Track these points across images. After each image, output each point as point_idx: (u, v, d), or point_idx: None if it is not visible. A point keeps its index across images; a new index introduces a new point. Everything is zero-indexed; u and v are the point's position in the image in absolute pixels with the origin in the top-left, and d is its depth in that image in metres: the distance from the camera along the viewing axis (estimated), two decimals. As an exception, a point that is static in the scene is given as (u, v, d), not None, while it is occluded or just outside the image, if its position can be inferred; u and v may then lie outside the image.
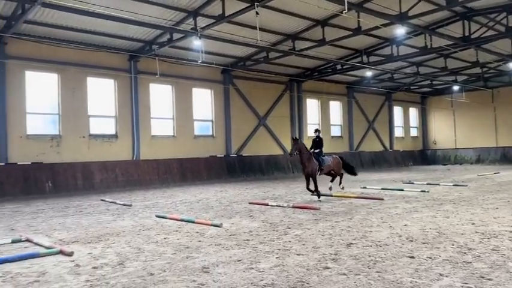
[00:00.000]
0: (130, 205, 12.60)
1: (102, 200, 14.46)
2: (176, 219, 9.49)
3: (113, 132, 20.69)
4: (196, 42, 17.89)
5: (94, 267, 5.58)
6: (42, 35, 17.82)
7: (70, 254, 6.28)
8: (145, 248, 6.70)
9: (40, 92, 18.67)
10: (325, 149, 13.57)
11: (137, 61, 21.18)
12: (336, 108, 32.29)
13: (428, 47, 21.56)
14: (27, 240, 7.59)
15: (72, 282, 4.93)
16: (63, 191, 17.77)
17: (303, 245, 6.63)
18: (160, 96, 22.63)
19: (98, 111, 20.28)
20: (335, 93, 31.77)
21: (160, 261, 5.86)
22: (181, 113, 23.29)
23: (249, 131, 26.38)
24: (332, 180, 13.74)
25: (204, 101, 24.63)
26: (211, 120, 24.91)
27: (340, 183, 13.60)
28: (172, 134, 23.00)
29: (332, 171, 13.50)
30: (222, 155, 24.72)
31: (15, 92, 17.68)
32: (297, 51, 21.51)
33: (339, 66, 26.21)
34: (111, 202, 13.76)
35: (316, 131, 13.39)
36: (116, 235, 7.96)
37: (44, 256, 6.29)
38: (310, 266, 5.37)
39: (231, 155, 25.05)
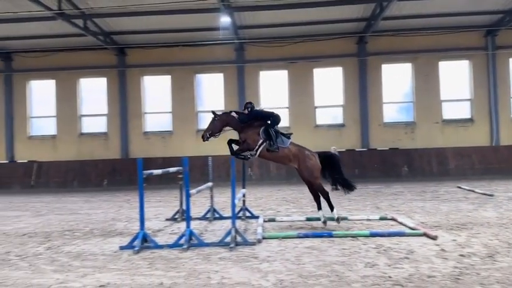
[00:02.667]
0: (491, 195, 11.53)
1: (458, 187, 13.97)
2: (556, 218, 7.89)
3: (467, 116, 19.50)
4: None
5: (461, 255, 5.46)
6: (396, 28, 18.92)
7: (434, 238, 6.42)
8: (518, 245, 5.94)
9: (394, 82, 19.95)
10: None
11: (495, 35, 18.98)
12: None
13: None
14: (392, 219, 8.33)
15: (440, 266, 5.02)
16: (418, 175, 18.38)
17: None
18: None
19: (451, 95, 19.65)
20: None
21: (540, 263, 5.05)
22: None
23: None
24: (319, 206, 7.92)
25: None
26: None
27: (320, 207, 7.90)
28: (541, 115, 19.26)
29: (293, 166, 7.93)
30: None
31: (374, 84, 19.76)
32: None
33: None
34: (468, 190, 13.08)
35: (247, 106, 8.01)
36: (480, 225, 7.47)
37: (409, 236, 6.72)
38: None
39: None
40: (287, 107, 20.36)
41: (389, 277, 4.62)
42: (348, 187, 8.11)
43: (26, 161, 20.67)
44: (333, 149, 14.96)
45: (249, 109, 7.94)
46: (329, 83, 20.19)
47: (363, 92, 19.69)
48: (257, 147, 7.66)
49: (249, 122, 7.82)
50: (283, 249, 6.00)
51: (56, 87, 21.07)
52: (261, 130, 7.75)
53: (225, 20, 16.36)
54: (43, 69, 20.75)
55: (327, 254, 5.70)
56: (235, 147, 7.86)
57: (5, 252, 6.37)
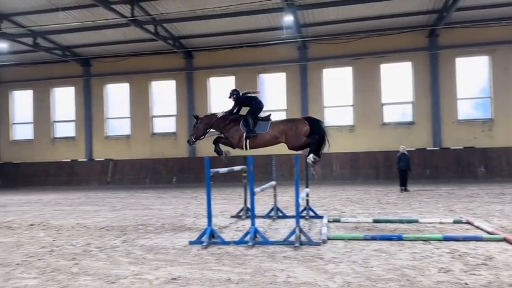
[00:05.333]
0: None
1: (544, 190, 12.77)
2: None
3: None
4: None
5: (549, 264, 4.98)
6: (471, 19, 17.68)
7: (517, 244, 5.92)
8: None
9: (469, 76, 18.66)
10: None
11: None
12: None
13: None
14: (468, 223, 7.81)
15: (525, 275, 4.62)
16: (496, 176, 17.07)
17: None
18: None
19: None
20: None
21: None
22: None
23: None
24: (308, 153, 7.52)
25: None
26: None
27: (310, 152, 7.47)
28: None
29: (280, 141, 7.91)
30: None
31: (447, 79, 18.63)
32: None
33: None
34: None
35: (232, 93, 8.20)
36: None
37: (487, 241, 6.25)
38: None
39: None
40: (352, 105, 19.87)
41: (466, 284, 4.34)
42: (317, 155, 7.54)
43: (103, 159, 22.27)
44: (402, 148, 14.34)
45: (235, 96, 8.11)
46: (397, 79, 19.39)
47: (434, 88, 18.66)
48: (244, 142, 7.81)
49: (236, 114, 8.03)
50: (349, 250, 5.88)
51: (130, 90, 22.43)
52: (240, 124, 7.89)
53: (288, 19, 16.35)
54: (118, 73, 22.19)
55: (397, 257, 5.48)
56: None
57: (86, 244, 6.91)
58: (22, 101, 24.08)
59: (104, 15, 16.26)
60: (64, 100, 23.53)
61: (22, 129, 24.08)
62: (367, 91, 19.47)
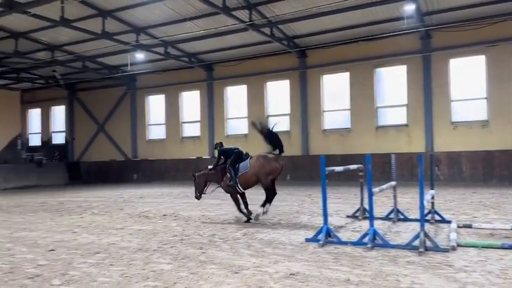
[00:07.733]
0: None
1: None
2: None
3: None
4: None
5: None
6: None
7: None
8: None
9: None
10: None
11: None
12: None
13: None
14: None
15: None
16: None
17: None
18: None
19: None
20: None
21: None
22: None
23: None
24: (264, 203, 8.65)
25: None
26: None
27: (264, 203, 8.72)
28: None
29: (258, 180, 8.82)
30: None
31: None
32: None
33: None
34: None
35: (216, 146, 9.62)
36: None
37: None
38: None
39: None
40: (485, 98, 17.76)
41: None
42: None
43: (223, 157, 23.70)
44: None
45: (218, 148, 9.41)
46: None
47: None
48: (237, 188, 8.91)
49: (223, 164, 9.13)
50: (483, 259, 5.29)
51: (247, 91, 23.48)
52: (227, 174, 8.93)
53: (409, 8, 15.32)
54: (236, 76, 23.39)
55: (544, 271, 4.76)
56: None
57: (211, 234, 7.47)
58: (156, 105, 27.01)
59: (225, 22, 17.28)
60: (190, 103, 25.68)
61: (156, 130, 27.00)
62: (504, 81, 17.18)
